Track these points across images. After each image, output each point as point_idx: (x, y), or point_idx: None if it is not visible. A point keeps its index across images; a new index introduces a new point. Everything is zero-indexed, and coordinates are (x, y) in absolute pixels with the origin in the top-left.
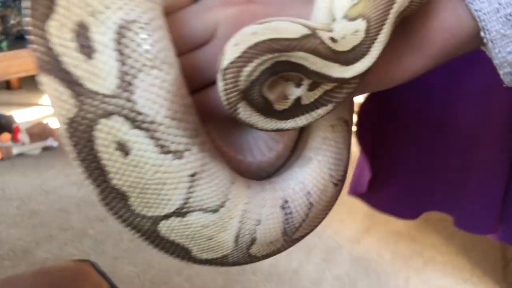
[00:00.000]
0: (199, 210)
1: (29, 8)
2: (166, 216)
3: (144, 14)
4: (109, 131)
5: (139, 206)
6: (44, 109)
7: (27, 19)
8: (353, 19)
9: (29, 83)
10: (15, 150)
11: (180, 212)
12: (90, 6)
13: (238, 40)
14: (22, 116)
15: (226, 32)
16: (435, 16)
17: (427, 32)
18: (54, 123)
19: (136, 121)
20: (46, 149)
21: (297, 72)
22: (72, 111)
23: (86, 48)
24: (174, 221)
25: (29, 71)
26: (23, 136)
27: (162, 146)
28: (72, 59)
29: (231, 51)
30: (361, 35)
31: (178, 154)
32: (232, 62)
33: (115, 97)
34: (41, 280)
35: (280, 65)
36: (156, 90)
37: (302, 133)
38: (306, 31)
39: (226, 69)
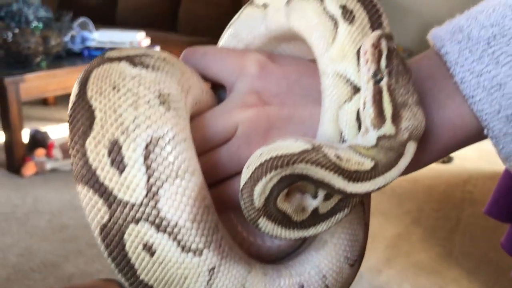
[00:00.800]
0: None
1: (70, 125)
2: None
3: (170, 131)
4: (137, 235)
5: None
6: None
7: (69, 134)
8: (362, 155)
9: (64, 100)
10: (49, 165)
11: None
12: (122, 125)
13: (249, 162)
14: (56, 132)
15: (245, 132)
16: (440, 115)
17: (434, 130)
18: None
19: (160, 225)
20: None
21: (304, 181)
22: (105, 218)
23: (119, 163)
24: None
25: (65, 89)
26: (56, 152)
27: (183, 246)
28: (106, 172)
29: (244, 173)
30: (366, 168)
31: (198, 252)
32: (245, 184)
33: (143, 205)
34: None
35: (287, 179)
36: (179, 197)
37: None
38: (306, 146)
39: (241, 190)
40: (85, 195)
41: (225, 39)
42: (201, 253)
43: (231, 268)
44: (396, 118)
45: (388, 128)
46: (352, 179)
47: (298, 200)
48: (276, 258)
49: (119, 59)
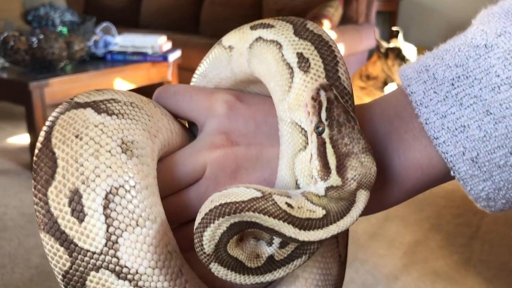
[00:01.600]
0: None
1: (34, 172)
2: None
3: (131, 179)
4: (98, 282)
5: None
6: None
7: (33, 182)
8: (314, 203)
9: None
10: None
11: None
12: (83, 175)
13: (201, 208)
14: None
15: (213, 172)
16: (407, 156)
17: (401, 170)
18: None
19: (121, 273)
20: None
21: (255, 229)
22: (67, 265)
23: (79, 212)
24: None
25: None
26: None
27: None
28: (66, 221)
29: (196, 219)
30: (318, 216)
31: None
32: (196, 229)
33: (102, 254)
34: None
35: (236, 226)
36: (139, 245)
37: None
38: (256, 194)
39: (194, 235)
40: (47, 243)
41: (195, 78)
42: None
43: None
44: (340, 169)
45: (333, 179)
46: (303, 227)
47: (252, 247)
48: None
49: (85, 105)
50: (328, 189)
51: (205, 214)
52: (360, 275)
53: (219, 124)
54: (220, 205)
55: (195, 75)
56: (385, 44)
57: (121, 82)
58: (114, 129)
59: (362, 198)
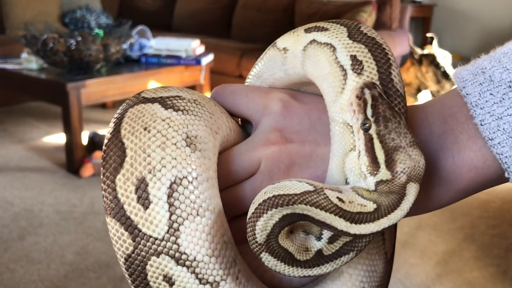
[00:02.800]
0: None
1: (103, 161)
2: None
3: (193, 171)
4: (158, 266)
5: None
6: None
7: (101, 169)
8: (364, 198)
9: (121, 103)
10: None
11: None
12: (150, 164)
13: (255, 199)
14: None
15: (268, 167)
16: (461, 156)
17: (456, 169)
18: None
19: (180, 259)
20: None
21: (307, 221)
22: (130, 249)
23: (144, 200)
24: None
25: (123, 95)
26: None
27: (201, 279)
28: (132, 208)
29: (250, 209)
30: (369, 209)
31: (214, 284)
32: (249, 219)
33: (164, 240)
34: None
35: (288, 218)
36: (198, 234)
37: None
38: (309, 188)
39: (247, 224)
40: (113, 227)
41: (250, 79)
42: (217, 285)
43: None
44: (389, 163)
45: (383, 174)
46: (354, 220)
47: (301, 240)
48: None
49: (153, 100)
50: (378, 183)
51: (259, 205)
52: (392, 284)
53: (274, 122)
54: (273, 196)
55: (249, 76)
56: (419, 51)
57: (155, 85)
58: (180, 124)
59: (412, 191)
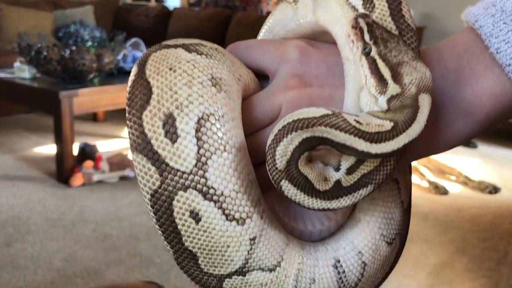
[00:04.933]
0: (258, 269)
1: (128, 100)
2: (230, 275)
3: (220, 109)
4: (185, 201)
5: (206, 265)
6: (125, 141)
7: (127, 107)
8: (381, 118)
9: (113, 117)
10: (96, 177)
11: (241, 271)
12: (177, 101)
13: (274, 128)
14: (104, 147)
15: (288, 111)
16: (480, 86)
17: (476, 99)
18: None
19: (207, 193)
20: (123, 178)
21: (326, 146)
22: (156, 184)
23: (172, 134)
24: (237, 280)
25: (115, 105)
26: (103, 165)
27: (227, 215)
28: (160, 142)
29: (269, 138)
30: (387, 128)
31: (241, 221)
32: (268, 146)
33: (192, 174)
34: None
35: (308, 141)
36: (226, 169)
37: None
38: (327, 112)
39: (266, 152)
40: (139, 163)
41: (262, 34)
42: (243, 222)
43: (271, 239)
44: (396, 77)
45: (392, 88)
46: (374, 140)
47: (320, 169)
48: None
49: (175, 46)
50: (389, 100)
51: (278, 131)
52: None
53: (292, 68)
54: (292, 121)
55: (261, 32)
56: None
57: None
58: (204, 66)
59: (426, 102)
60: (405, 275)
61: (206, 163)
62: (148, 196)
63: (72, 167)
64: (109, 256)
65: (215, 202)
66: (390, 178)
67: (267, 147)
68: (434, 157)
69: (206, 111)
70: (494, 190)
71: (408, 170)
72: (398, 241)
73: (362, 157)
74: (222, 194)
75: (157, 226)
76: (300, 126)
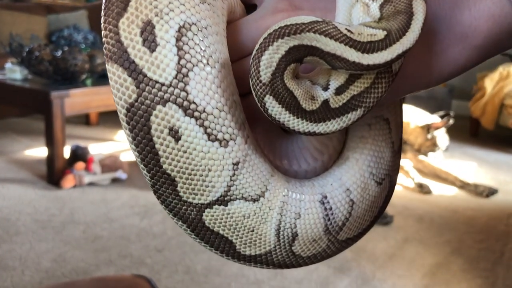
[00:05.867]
0: (241, 198)
1: (104, 9)
2: (210, 204)
3: (203, 19)
4: (163, 117)
5: (186, 192)
6: (117, 144)
7: (102, 17)
8: (373, 28)
9: (106, 120)
10: (87, 179)
11: (223, 200)
12: (157, 8)
13: (260, 38)
14: (97, 150)
15: None
16: (478, 7)
17: (472, 21)
18: (125, 157)
19: (188, 109)
20: (115, 180)
21: (314, 56)
22: (133, 96)
23: (150, 42)
24: (218, 210)
25: (108, 107)
26: (95, 167)
27: (209, 134)
28: (137, 51)
29: (255, 48)
30: (380, 37)
31: (223, 143)
32: (253, 57)
33: (172, 86)
34: (97, 286)
35: (295, 50)
36: (208, 84)
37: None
38: (317, 19)
39: (250, 65)
40: (114, 74)
41: None
42: (226, 144)
43: (255, 167)
44: None
45: None
46: (366, 50)
47: (308, 87)
48: None
49: None
50: (382, 6)
51: (263, 39)
52: None
53: None
54: (279, 27)
55: None
56: None
57: None
58: None
59: (420, 7)
60: (401, 276)
61: (187, 75)
62: (124, 111)
63: (63, 168)
64: (99, 257)
65: (196, 118)
66: (381, 116)
67: (251, 59)
68: (429, 161)
69: (188, 20)
70: (491, 193)
71: (399, 110)
72: (387, 182)
73: (353, 69)
74: (204, 111)
75: (132, 146)
76: (287, 32)
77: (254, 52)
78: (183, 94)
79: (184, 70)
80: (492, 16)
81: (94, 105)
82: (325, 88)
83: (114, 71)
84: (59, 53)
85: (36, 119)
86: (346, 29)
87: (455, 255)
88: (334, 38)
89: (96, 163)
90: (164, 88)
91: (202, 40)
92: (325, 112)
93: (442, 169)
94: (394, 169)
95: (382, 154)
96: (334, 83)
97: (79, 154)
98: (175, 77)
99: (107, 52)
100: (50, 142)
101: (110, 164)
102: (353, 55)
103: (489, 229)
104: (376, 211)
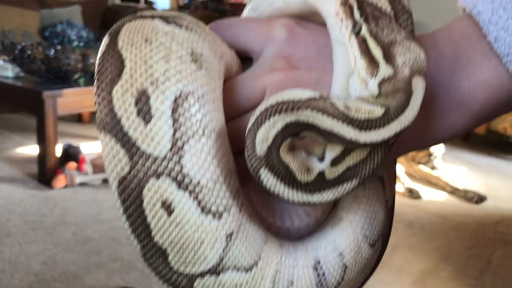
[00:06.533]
0: (233, 268)
1: (97, 73)
2: (202, 274)
3: (200, 88)
4: (157, 191)
5: (177, 263)
6: None
7: (95, 81)
8: (371, 104)
9: None
10: (79, 179)
11: (215, 271)
12: (152, 76)
13: (256, 110)
14: (89, 149)
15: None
16: (476, 76)
17: (470, 90)
18: None
19: (182, 182)
20: (106, 181)
21: (312, 132)
22: (125, 169)
23: (145, 114)
24: (209, 279)
25: None
26: (87, 167)
27: (203, 207)
28: (131, 122)
29: (250, 120)
30: (377, 115)
31: (217, 215)
32: (249, 130)
33: (166, 159)
34: None
35: (292, 127)
36: (204, 155)
37: None
38: (314, 95)
39: (246, 136)
40: (107, 144)
41: (246, 13)
42: (220, 216)
43: (249, 235)
44: (388, 57)
45: (384, 70)
46: (364, 127)
47: (303, 158)
48: (294, 240)
49: (152, 16)
50: (381, 84)
51: (260, 113)
52: None
53: (279, 48)
54: (276, 103)
55: (245, 11)
56: None
57: None
58: (184, 39)
59: (419, 85)
60: (390, 283)
61: (182, 148)
62: (116, 183)
63: (54, 168)
64: (89, 260)
65: (190, 192)
66: (376, 175)
67: (247, 131)
68: (420, 166)
69: (185, 89)
70: (480, 199)
71: (393, 167)
72: (380, 243)
73: (349, 146)
74: (198, 184)
75: (124, 218)
76: (284, 108)
77: (250, 124)
78: (177, 167)
79: (179, 143)
80: (490, 85)
81: (87, 104)
82: (321, 159)
83: (106, 141)
84: (52, 52)
85: (28, 115)
86: (344, 104)
87: (444, 261)
88: (331, 116)
89: (88, 163)
90: (158, 161)
91: (199, 110)
92: (320, 183)
93: (432, 174)
94: (386, 228)
95: (376, 215)
96: (330, 154)
97: (71, 154)
98: (170, 150)
99: (99, 122)
100: (42, 141)
101: (101, 164)
102: (350, 132)
103: (477, 236)
104: (368, 272)
